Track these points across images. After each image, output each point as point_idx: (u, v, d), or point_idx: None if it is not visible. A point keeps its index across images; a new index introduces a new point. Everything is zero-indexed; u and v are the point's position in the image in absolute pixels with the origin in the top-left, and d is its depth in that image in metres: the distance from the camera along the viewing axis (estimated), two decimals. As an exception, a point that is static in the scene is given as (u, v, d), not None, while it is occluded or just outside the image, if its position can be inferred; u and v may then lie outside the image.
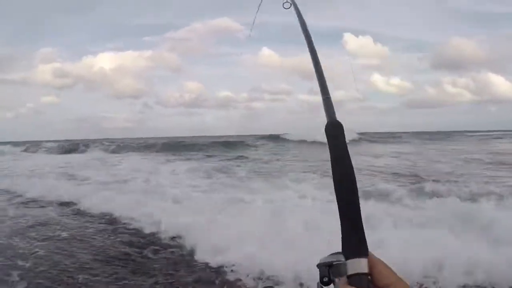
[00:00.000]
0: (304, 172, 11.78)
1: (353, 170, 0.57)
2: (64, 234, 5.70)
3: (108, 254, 4.79)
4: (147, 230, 5.65)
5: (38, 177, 11.75)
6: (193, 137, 57.10)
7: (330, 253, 0.57)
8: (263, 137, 35.42)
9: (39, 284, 3.92)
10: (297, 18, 0.80)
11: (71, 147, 29.50)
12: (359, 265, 0.53)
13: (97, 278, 4.07)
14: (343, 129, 0.60)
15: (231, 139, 33.80)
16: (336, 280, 0.55)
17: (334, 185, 0.57)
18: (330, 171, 0.58)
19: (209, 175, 11.62)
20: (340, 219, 0.56)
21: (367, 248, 0.55)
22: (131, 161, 17.43)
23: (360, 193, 0.57)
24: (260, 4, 1.07)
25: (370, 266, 0.54)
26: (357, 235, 0.55)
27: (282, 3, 0.88)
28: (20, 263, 4.45)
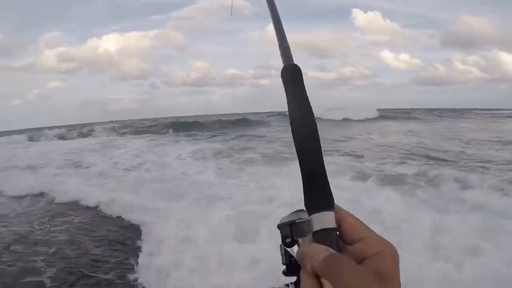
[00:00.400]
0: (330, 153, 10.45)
1: (313, 117, 0.49)
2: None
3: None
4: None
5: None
6: (202, 115, 55.87)
7: (291, 212, 0.51)
8: (273, 114, 34.09)
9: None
10: None
11: (74, 133, 28.27)
12: (324, 220, 0.45)
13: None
14: (301, 73, 0.52)
15: (240, 117, 32.75)
16: (300, 240, 0.48)
17: (292, 133, 0.48)
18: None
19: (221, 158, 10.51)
20: (301, 172, 0.47)
21: (333, 201, 0.46)
22: (136, 145, 16.41)
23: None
24: None
25: (338, 220, 0.46)
26: (320, 187, 0.47)
27: None
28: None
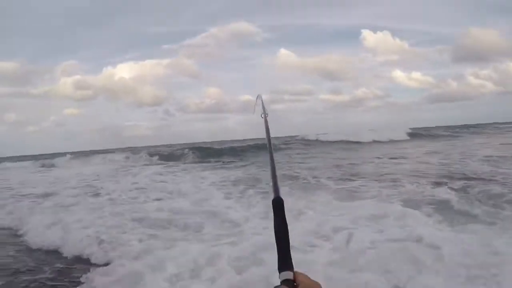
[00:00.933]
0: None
1: (287, 229, 0.97)
2: None
3: None
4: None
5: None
6: (218, 141, 54.70)
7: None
8: (291, 138, 32.41)
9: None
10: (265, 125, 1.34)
11: (86, 159, 27.53)
12: (286, 275, 0.89)
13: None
14: (283, 203, 0.99)
15: (257, 142, 31.46)
16: None
17: (275, 233, 0.96)
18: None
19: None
20: (277, 253, 0.93)
21: (292, 265, 0.92)
22: (152, 175, 15.18)
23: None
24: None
25: (295, 276, 0.89)
26: (286, 261, 0.92)
27: None
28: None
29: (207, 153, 24.22)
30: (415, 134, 30.74)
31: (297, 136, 33.75)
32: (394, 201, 6.56)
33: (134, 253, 4.73)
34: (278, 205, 0.98)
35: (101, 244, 5.23)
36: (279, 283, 0.89)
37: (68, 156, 29.77)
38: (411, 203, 6.27)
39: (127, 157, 25.95)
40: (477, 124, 49.68)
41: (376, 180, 8.99)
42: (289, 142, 28.14)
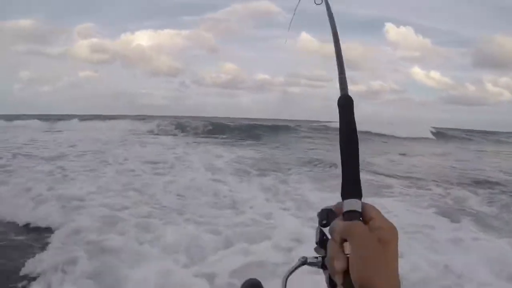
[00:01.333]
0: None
1: (357, 137, 0.65)
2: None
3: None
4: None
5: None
6: (233, 118, 54.04)
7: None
8: (309, 123, 31.52)
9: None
10: (327, 11, 0.89)
11: (97, 124, 26.77)
12: (352, 204, 0.60)
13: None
14: (352, 102, 0.68)
15: (277, 123, 30.53)
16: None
17: (340, 144, 0.65)
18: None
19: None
20: (342, 171, 0.63)
21: (361, 193, 0.62)
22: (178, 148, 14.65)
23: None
24: (296, 7, 1.15)
25: (362, 207, 0.60)
26: (353, 181, 0.62)
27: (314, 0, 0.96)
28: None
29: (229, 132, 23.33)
30: (440, 134, 29.33)
31: (315, 121, 32.88)
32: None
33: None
34: (346, 105, 0.68)
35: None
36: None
37: (77, 119, 29.51)
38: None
39: (138, 126, 25.41)
40: (496, 132, 47.95)
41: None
42: (311, 128, 26.89)
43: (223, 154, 12.17)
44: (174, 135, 21.53)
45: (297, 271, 0.72)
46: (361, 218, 0.59)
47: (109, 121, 27.81)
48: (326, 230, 0.62)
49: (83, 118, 31.70)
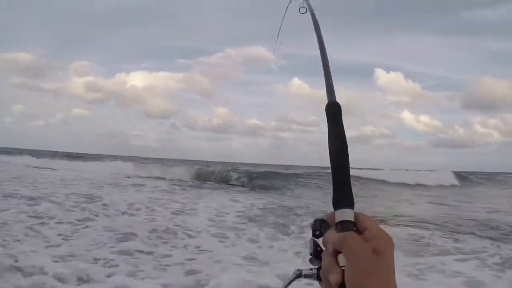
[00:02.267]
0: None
1: (346, 143, 0.64)
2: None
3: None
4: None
5: None
6: (226, 162, 53.62)
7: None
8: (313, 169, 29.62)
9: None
10: (312, 20, 0.90)
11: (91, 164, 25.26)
12: (345, 214, 0.59)
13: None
14: (341, 110, 0.67)
15: (273, 169, 29.00)
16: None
17: (329, 154, 0.64)
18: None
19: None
20: (333, 180, 0.62)
21: (353, 202, 0.60)
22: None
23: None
24: (284, 15, 1.13)
25: (355, 217, 0.59)
26: (344, 191, 0.61)
27: (298, 8, 0.96)
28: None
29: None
30: (463, 178, 28.21)
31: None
32: None
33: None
34: (334, 111, 0.68)
35: None
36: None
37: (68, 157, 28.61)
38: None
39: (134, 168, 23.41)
40: (489, 173, 48.57)
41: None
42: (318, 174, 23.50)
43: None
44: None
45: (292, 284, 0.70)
46: (355, 228, 0.58)
47: (109, 162, 25.82)
48: (319, 241, 0.62)
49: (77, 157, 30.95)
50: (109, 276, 4.30)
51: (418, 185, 22.93)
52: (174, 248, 5.68)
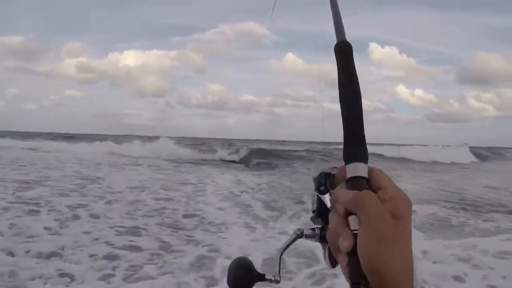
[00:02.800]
0: None
1: (359, 87, 0.57)
2: None
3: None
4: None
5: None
6: (221, 139, 53.27)
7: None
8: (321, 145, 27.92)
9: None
10: None
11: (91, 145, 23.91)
12: (357, 169, 0.51)
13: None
14: (351, 48, 0.59)
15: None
16: (332, 191, 0.56)
17: (339, 98, 0.57)
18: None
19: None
20: (343, 129, 0.55)
21: (367, 156, 0.53)
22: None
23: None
24: None
25: (369, 173, 0.51)
26: (358, 143, 0.54)
27: None
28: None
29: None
30: (481, 155, 26.72)
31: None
32: None
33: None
34: (344, 52, 0.60)
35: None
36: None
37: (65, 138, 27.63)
38: None
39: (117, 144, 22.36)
40: (488, 148, 48.22)
41: None
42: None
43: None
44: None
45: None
46: (367, 186, 0.51)
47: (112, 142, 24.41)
48: (325, 197, 0.57)
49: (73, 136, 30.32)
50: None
51: (436, 162, 21.59)
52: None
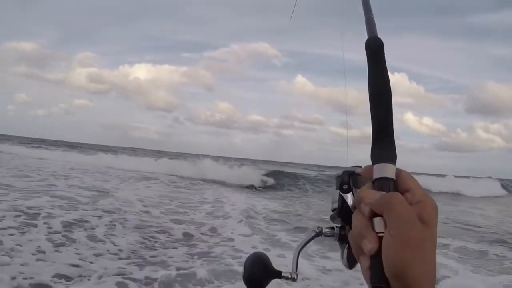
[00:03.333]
0: None
1: (389, 85, 0.56)
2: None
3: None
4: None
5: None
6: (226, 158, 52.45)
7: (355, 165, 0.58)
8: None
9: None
10: None
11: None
12: (386, 169, 0.50)
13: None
14: (383, 45, 0.58)
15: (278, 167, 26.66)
16: (355, 190, 0.56)
17: (369, 95, 0.56)
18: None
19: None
20: (372, 129, 0.54)
21: (395, 157, 0.52)
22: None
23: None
24: None
25: (397, 175, 0.50)
26: (386, 143, 0.53)
27: None
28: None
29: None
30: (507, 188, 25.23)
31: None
32: None
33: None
34: (376, 48, 0.57)
35: None
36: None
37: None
38: None
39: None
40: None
41: None
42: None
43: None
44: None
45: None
46: (394, 188, 0.49)
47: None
48: (348, 196, 0.56)
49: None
50: None
51: (460, 195, 20.30)
52: None
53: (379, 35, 0.60)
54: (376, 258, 0.45)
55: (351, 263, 0.55)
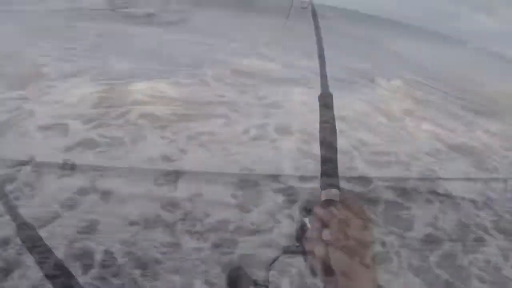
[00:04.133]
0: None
1: (336, 132, 0.71)
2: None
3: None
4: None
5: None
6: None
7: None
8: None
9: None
10: (311, 12, 0.99)
11: None
12: (330, 193, 0.62)
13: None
14: (332, 98, 0.75)
15: None
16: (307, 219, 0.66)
17: (320, 140, 0.70)
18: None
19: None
20: (321, 165, 0.67)
21: (338, 184, 0.64)
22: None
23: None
24: (290, 10, 1.37)
25: (341, 197, 0.61)
26: (331, 173, 0.66)
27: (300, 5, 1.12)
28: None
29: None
30: None
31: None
32: None
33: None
34: (326, 102, 0.76)
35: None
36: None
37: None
38: None
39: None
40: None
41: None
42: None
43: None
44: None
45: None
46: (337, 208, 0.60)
47: None
48: (306, 220, 0.65)
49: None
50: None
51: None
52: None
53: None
54: (326, 262, 0.56)
55: (314, 273, 0.59)
